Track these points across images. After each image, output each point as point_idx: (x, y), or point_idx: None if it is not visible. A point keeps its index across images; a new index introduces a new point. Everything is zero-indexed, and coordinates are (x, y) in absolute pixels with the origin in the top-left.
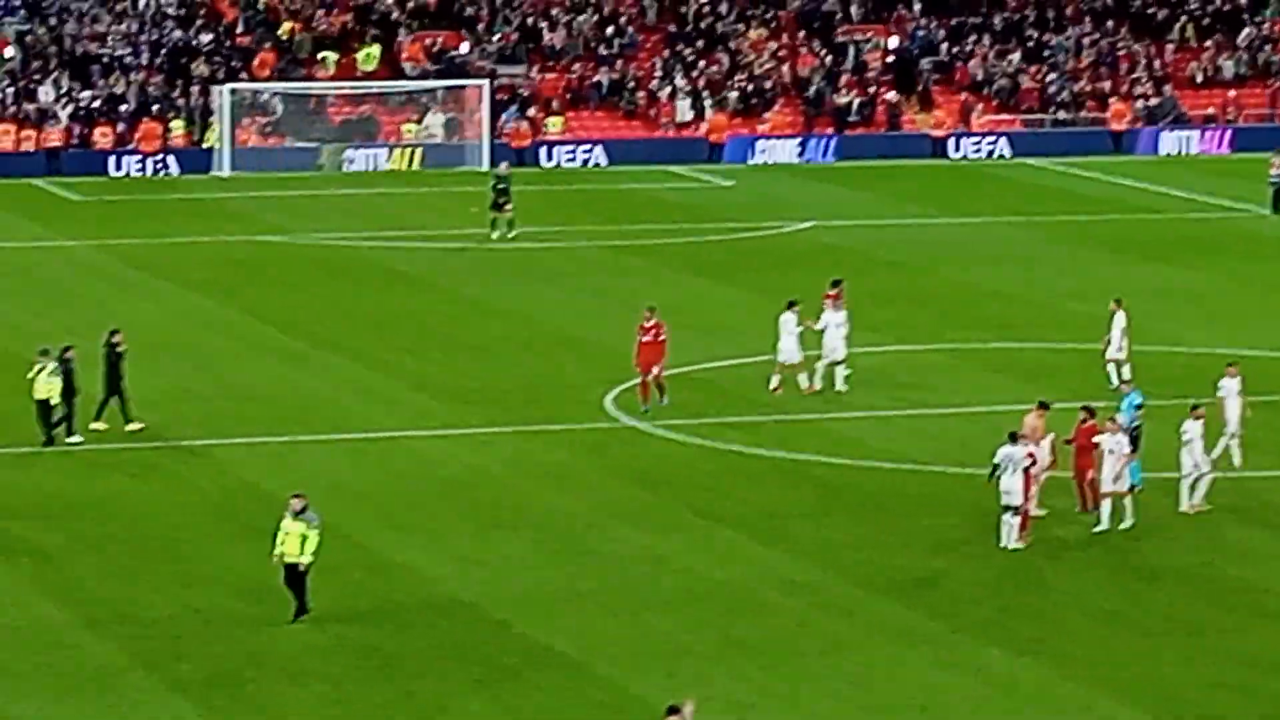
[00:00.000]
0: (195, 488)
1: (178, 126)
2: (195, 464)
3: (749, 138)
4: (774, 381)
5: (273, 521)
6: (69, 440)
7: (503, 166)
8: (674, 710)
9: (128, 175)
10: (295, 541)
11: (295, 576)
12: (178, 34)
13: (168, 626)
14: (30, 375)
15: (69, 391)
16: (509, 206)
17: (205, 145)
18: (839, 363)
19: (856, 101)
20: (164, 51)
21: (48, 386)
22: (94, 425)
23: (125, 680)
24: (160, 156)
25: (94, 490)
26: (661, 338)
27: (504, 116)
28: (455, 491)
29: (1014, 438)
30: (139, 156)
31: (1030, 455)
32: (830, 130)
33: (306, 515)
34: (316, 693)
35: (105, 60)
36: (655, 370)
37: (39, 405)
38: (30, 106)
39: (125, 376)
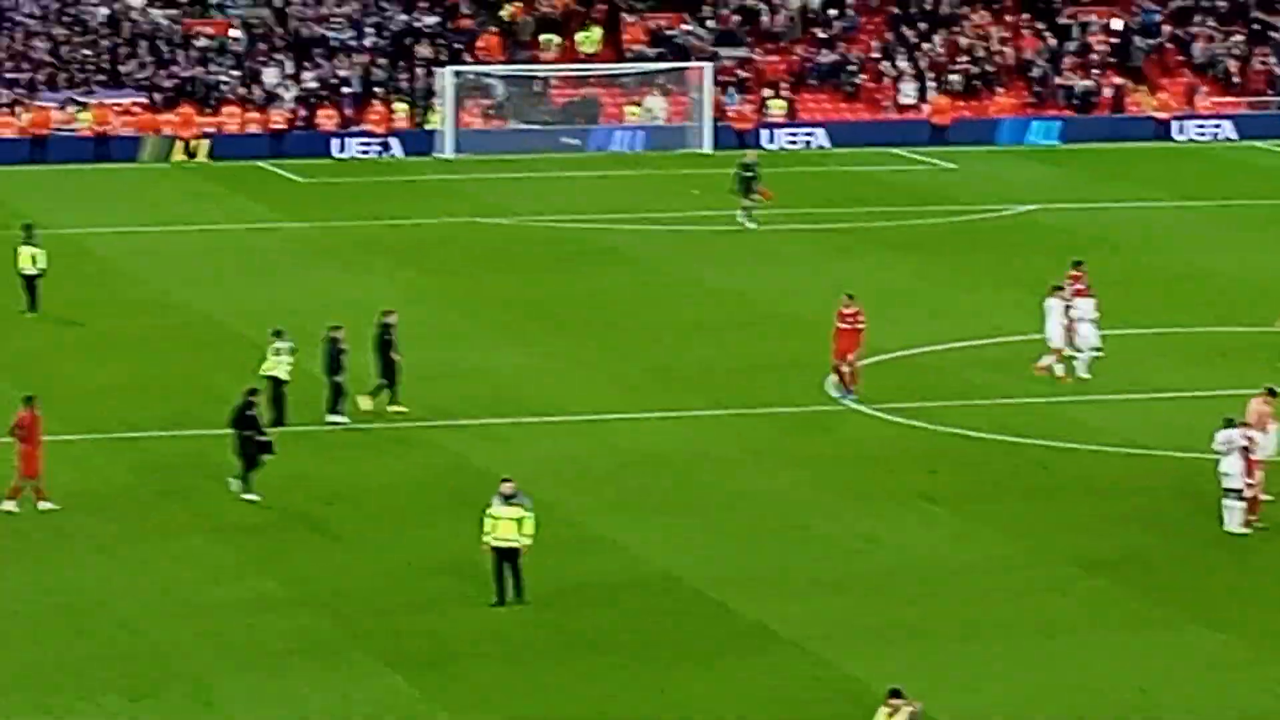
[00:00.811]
0: (415, 467)
1: (401, 109)
2: (415, 444)
3: (972, 120)
4: (1045, 361)
5: (485, 500)
6: (332, 420)
7: (750, 154)
8: (896, 694)
9: (351, 157)
10: (511, 526)
11: (511, 560)
12: (401, 17)
13: (384, 604)
14: (266, 356)
15: (335, 370)
16: (755, 195)
17: (428, 127)
18: (1098, 350)
19: (1080, 84)
20: (387, 34)
21: (276, 365)
22: (362, 407)
23: (341, 657)
24: (383, 138)
25: (317, 469)
26: (860, 325)
27: (727, 98)
28: (674, 472)
29: (1230, 422)
30: (362, 138)
31: (1248, 438)
32: (1054, 112)
33: (519, 499)
34: (531, 671)
35: (330, 43)
36: (850, 358)
37: (270, 384)
38: (255, 89)
39: (400, 357)
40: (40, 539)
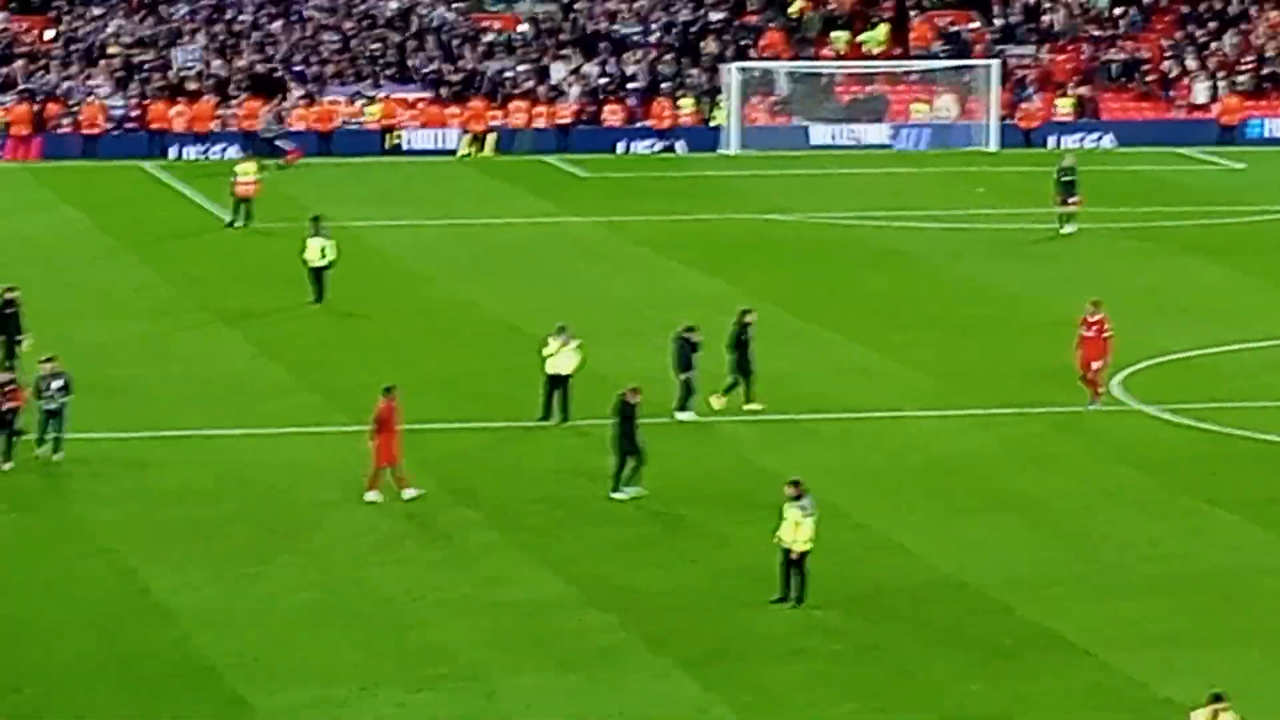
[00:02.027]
0: (697, 464)
1: (686, 104)
2: (698, 440)
3: (1262, 119)
4: None
5: (772, 501)
6: (680, 417)
7: (1068, 158)
8: (1219, 698)
9: (635, 153)
10: (791, 528)
11: (792, 562)
12: (687, 13)
13: (667, 603)
14: (548, 351)
15: (685, 367)
16: (1074, 200)
17: (713, 123)
18: None
19: None
20: (674, 30)
21: (561, 362)
22: (716, 404)
23: (624, 655)
24: (668, 134)
25: (593, 465)
26: (1106, 334)
27: (1017, 97)
28: (950, 472)
29: None
30: (647, 134)
31: None
32: None
33: (802, 502)
34: (812, 671)
35: (616, 38)
36: (1095, 366)
37: (550, 380)
38: (541, 85)
39: (754, 356)
40: (315, 535)
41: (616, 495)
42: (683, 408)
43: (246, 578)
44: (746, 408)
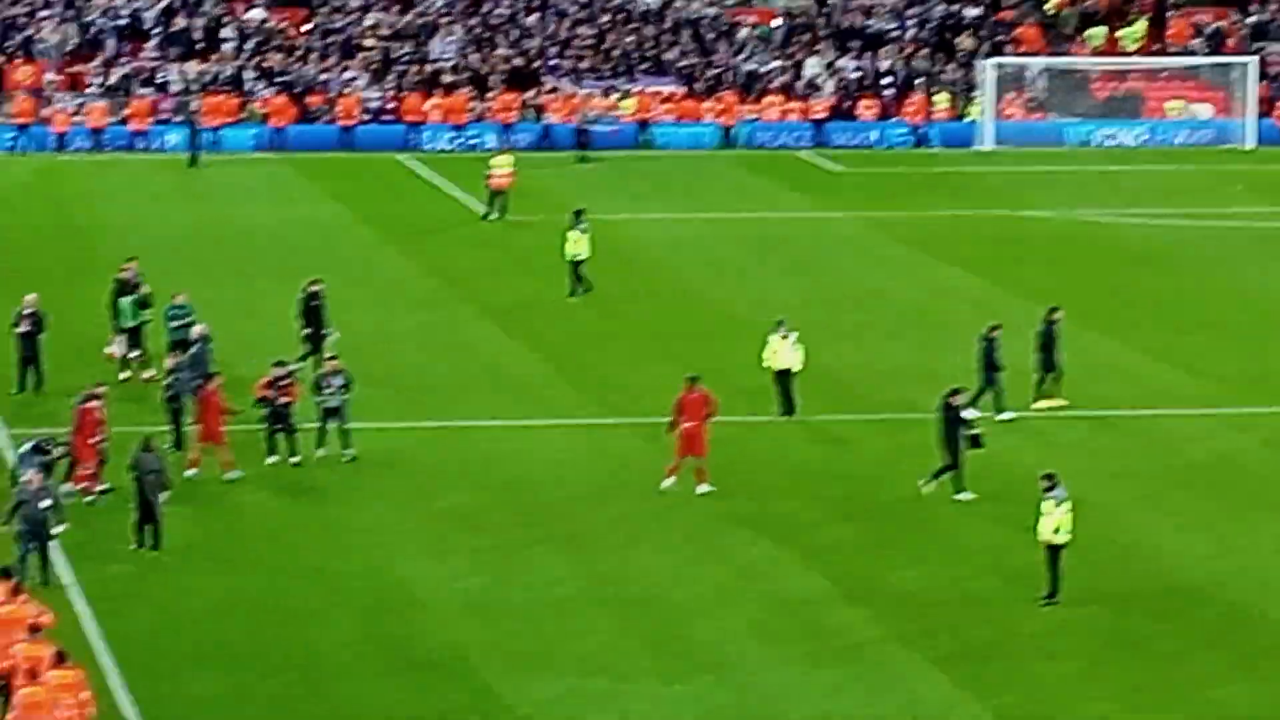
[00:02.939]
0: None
1: (941, 100)
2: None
3: None
4: None
5: (1025, 498)
6: (999, 417)
7: None
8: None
9: (890, 147)
10: (1047, 521)
11: (1049, 557)
12: (944, 7)
13: (923, 599)
14: (771, 347)
15: (993, 368)
16: None
17: (967, 119)
18: None
19: None
20: (930, 25)
21: (784, 357)
22: (1037, 405)
23: (880, 652)
24: (923, 129)
25: (848, 461)
26: None
27: (1275, 94)
28: (1209, 472)
29: None
30: (902, 129)
31: None
32: None
33: (1055, 493)
34: (1068, 670)
35: (871, 33)
36: None
37: (777, 375)
38: (796, 79)
39: (1062, 353)
40: (572, 526)
41: (959, 497)
42: (1000, 409)
43: (504, 568)
44: (1039, 405)
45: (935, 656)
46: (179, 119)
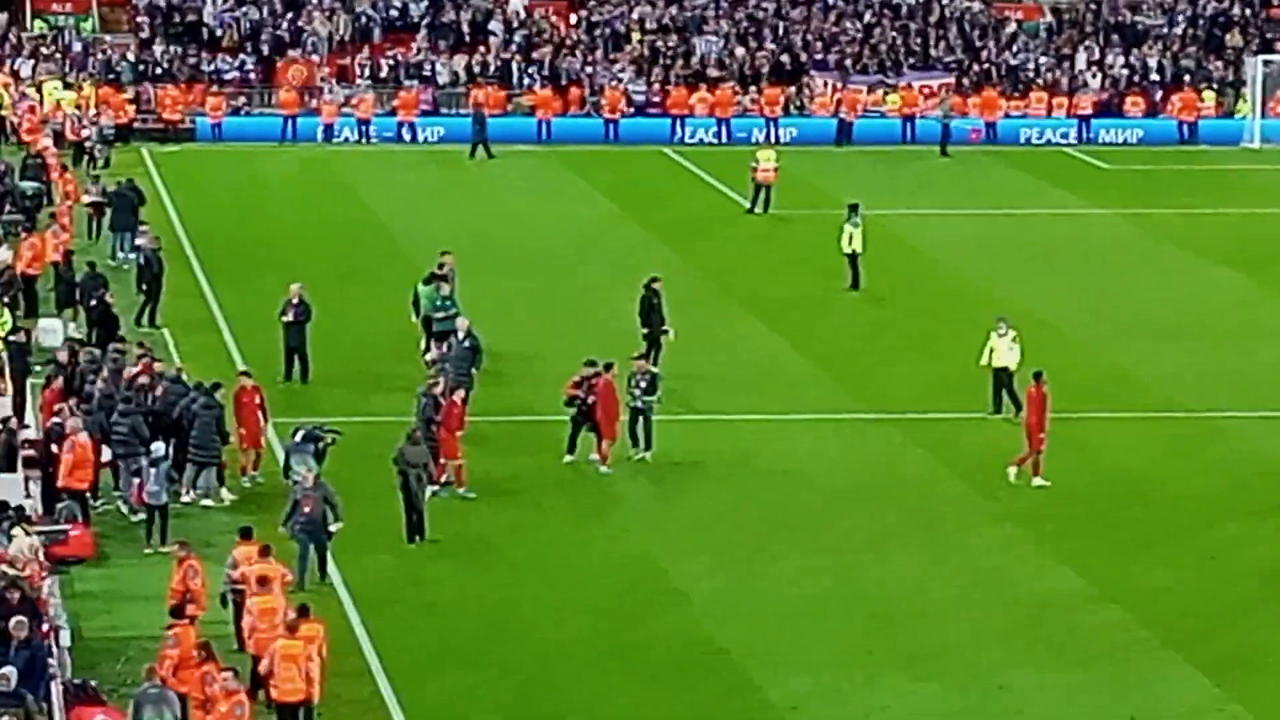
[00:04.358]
0: (1208, 463)
1: (1209, 97)
2: (1209, 439)
3: None
4: None
5: None
6: None
7: None
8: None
9: (1157, 144)
10: None
11: None
12: (1211, 5)
13: (1180, 602)
14: (990, 345)
15: None
16: None
17: (1236, 116)
18: None
19: None
20: (1199, 22)
21: (1003, 355)
22: None
23: (1138, 655)
24: (1191, 126)
25: (1104, 463)
26: None
27: None
28: None
29: None
30: (1169, 126)
31: None
32: None
33: None
34: None
35: (1138, 29)
36: None
37: (996, 373)
38: (1062, 75)
39: None
40: (826, 523)
41: None
42: None
43: (756, 564)
44: None
45: (1197, 660)
46: (455, 112)
